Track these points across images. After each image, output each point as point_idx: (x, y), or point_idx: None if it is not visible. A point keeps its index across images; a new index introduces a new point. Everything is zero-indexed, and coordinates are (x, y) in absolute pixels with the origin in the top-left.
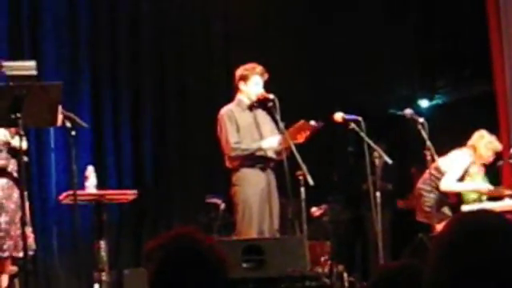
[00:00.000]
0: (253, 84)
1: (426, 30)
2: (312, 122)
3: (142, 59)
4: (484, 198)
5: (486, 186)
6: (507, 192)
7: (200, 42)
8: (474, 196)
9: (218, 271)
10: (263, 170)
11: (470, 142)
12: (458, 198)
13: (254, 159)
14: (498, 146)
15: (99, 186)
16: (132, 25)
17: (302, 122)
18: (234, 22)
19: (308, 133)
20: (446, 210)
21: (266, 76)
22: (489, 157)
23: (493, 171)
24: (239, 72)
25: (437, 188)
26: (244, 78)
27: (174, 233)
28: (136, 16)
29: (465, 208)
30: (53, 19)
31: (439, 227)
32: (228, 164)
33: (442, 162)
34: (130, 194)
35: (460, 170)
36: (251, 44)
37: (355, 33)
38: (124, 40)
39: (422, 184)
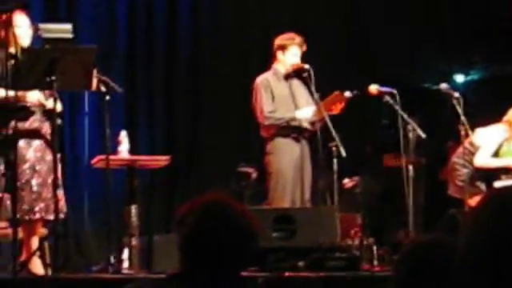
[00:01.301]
0: (291, 55)
1: (463, 7)
2: (347, 93)
3: (178, 28)
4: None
5: None
6: None
7: (236, 18)
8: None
9: (249, 237)
10: (297, 140)
11: (505, 118)
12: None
13: (289, 129)
14: None
15: (132, 151)
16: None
17: (336, 92)
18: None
19: (343, 104)
20: (480, 184)
21: (305, 47)
22: None
23: None
24: (278, 41)
25: (470, 163)
26: (282, 48)
27: (205, 198)
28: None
29: (497, 184)
30: None
31: (472, 202)
32: (263, 133)
33: (477, 136)
34: (163, 160)
35: (494, 146)
36: (288, 11)
37: (394, 6)
38: (161, 3)
39: (455, 158)
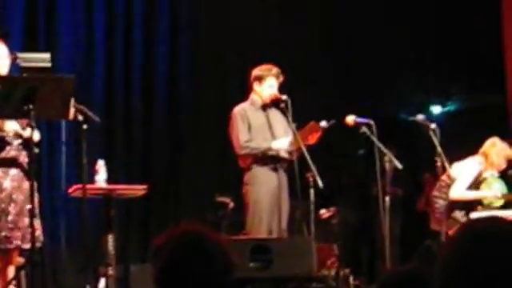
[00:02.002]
0: (267, 86)
1: (443, 37)
2: (323, 123)
3: (156, 58)
4: (496, 203)
5: (494, 193)
6: None
7: (216, 40)
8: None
9: (225, 269)
10: (275, 169)
11: (481, 150)
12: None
13: (266, 159)
14: (511, 154)
15: (109, 180)
16: (147, 17)
17: (312, 122)
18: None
19: (319, 134)
20: (459, 216)
21: (282, 78)
22: (500, 164)
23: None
24: (255, 72)
25: (447, 195)
26: (259, 79)
27: (181, 229)
28: (151, 8)
29: (474, 215)
30: (69, 10)
31: (451, 234)
32: (241, 163)
33: (454, 168)
34: (140, 190)
35: (470, 178)
36: (265, 44)
37: (371, 37)
38: (139, 32)
39: (434, 191)
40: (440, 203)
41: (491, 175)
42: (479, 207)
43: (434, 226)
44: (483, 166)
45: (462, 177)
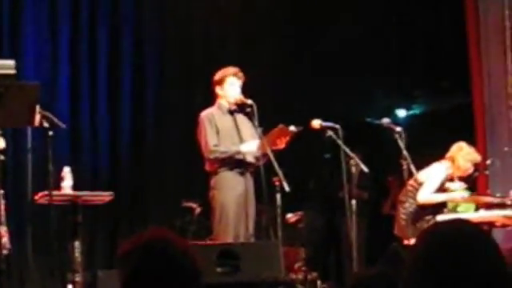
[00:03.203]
0: (228, 85)
1: (406, 40)
2: (292, 128)
3: (120, 62)
4: (461, 207)
5: (461, 195)
6: (482, 199)
7: (181, 46)
8: (450, 205)
9: (191, 275)
10: (242, 174)
11: (448, 154)
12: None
13: (233, 163)
14: (477, 158)
15: (75, 186)
16: (112, 29)
17: (280, 126)
18: (215, 26)
19: (288, 138)
20: (425, 225)
21: (242, 77)
22: (467, 168)
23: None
24: (215, 77)
25: (414, 200)
26: (219, 82)
27: (147, 235)
28: (117, 20)
29: (439, 218)
30: (33, 17)
31: (411, 243)
32: (207, 167)
33: (421, 173)
34: (106, 196)
35: (437, 182)
36: (230, 48)
37: (336, 41)
38: (104, 40)
39: (401, 196)
40: (406, 208)
41: (459, 186)
42: (445, 210)
43: (398, 232)
44: (450, 170)
45: (430, 181)
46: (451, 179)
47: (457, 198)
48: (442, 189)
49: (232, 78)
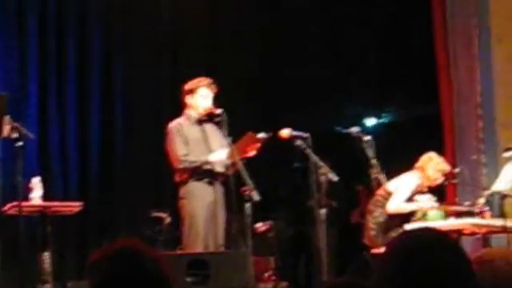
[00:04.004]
0: (199, 96)
1: (376, 50)
2: (261, 134)
3: (89, 73)
4: (429, 216)
5: (431, 204)
6: (451, 208)
7: (149, 59)
8: (419, 214)
9: (161, 285)
10: (211, 184)
11: (418, 164)
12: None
13: (202, 173)
14: (447, 168)
15: (45, 197)
16: (80, 37)
17: (249, 133)
18: (182, 36)
19: (258, 145)
20: (394, 234)
21: (214, 89)
22: (437, 178)
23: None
24: (186, 86)
25: (384, 209)
26: (191, 92)
27: (116, 245)
28: (84, 33)
29: (408, 226)
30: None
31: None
32: (176, 177)
33: (391, 183)
34: (75, 206)
35: (408, 192)
36: (199, 58)
37: (306, 50)
38: (72, 50)
39: (370, 205)
40: (375, 217)
41: (428, 198)
42: (413, 218)
43: (367, 241)
44: (420, 180)
45: (400, 190)
46: (421, 190)
47: (426, 207)
48: (411, 200)
49: (204, 90)
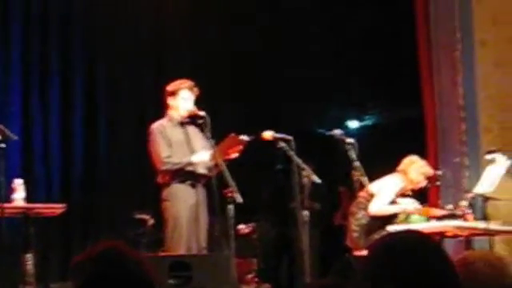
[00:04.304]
0: (181, 99)
1: (359, 52)
2: (243, 137)
3: (72, 74)
4: (412, 218)
5: (414, 206)
6: (434, 211)
7: (133, 59)
8: (401, 216)
9: (145, 285)
10: (193, 186)
11: (400, 167)
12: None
13: (185, 175)
14: (429, 171)
15: (28, 198)
16: (63, 38)
17: (231, 135)
18: (165, 36)
19: (241, 147)
20: (376, 236)
21: (196, 91)
22: (419, 181)
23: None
24: (168, 88)
25: (366, 212)
26: (173, 94)
27: (101, 247)
28: (67, 34)
29: (391, 229)
30: None
31: (364, 252)
32: (159, 179)
33: (374, 186)
34: (58, 208)
35: (390, 194)
36: (183, 60)
37: (288, 53)
38: (55, 51)
39: (352, 207)
40: (358, 219)
41: (411, 202)
42: (397, 221)
43: (349, 243)
44: (403, 183)
45: (383, 192)
46: (404, 192)
47: (409, 209)
48: (393, 203)
49: (186, 92)
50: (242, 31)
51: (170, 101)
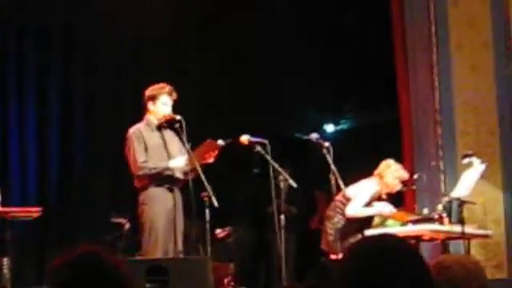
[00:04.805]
0: (161, 104)
1: (334, 55)
2: (220, 142)
3: (48, 75)
4: (388, 222)
5: (389, 209)
6: (410, 214)
7: (113, 67)
8: (377, 220)
9: None
10: (170, 190)
11: (376, 171)
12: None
13: (162, 179)
14: (405, 175)
15: (4, 202)
16: (40, 39)
17: (208, 141)
18: (145, 41)
19: (216, 152)
20: (352, 240)
21: (175, 96)
22: (395, 185)
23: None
24: (148, 92)
25: (343, 215)
26: (152, 98)
27: (78, 251)
28: (44, 35)
29: (368, 232)
30: None
31: (340, 256)
32: (136, 183)
33: (350, 189)
34: (34, 212)
35: (366, 197)
36: (160, 62)
37: (265, 57)
38: (31, 53)
39: (328, 211)
40: (334, 223)
41: (387, 206)
42: (373, 224)
43: (325, 247)
44: (379, 187)
45: (359, 196)
46: (380, 196)
47: (384, 211)
48: (369, 206)
49: (166, 97)
50: (216, 35)
51: (150, 105)
